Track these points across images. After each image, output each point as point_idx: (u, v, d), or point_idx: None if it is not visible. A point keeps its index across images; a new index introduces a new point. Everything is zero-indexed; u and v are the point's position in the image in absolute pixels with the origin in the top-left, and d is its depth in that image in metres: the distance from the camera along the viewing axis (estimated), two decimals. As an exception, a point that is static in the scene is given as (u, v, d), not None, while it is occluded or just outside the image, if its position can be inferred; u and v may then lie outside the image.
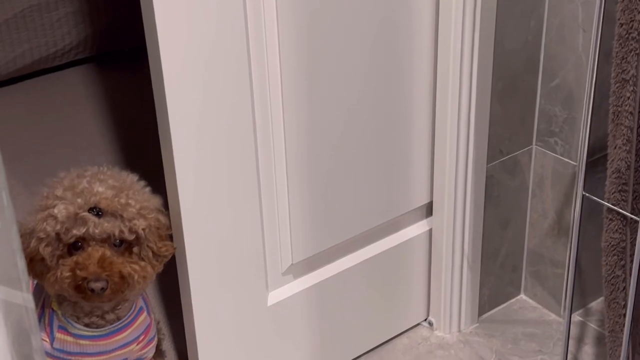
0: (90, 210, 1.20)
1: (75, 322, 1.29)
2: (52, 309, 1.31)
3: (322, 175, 1.43)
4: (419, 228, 1.63)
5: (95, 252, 1.20)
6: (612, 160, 1.20)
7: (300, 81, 1.33)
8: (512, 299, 1.78)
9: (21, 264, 0.62)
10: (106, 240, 1.21)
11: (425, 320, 1.72)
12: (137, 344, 1.34)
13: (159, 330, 1.44)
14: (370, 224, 1.53)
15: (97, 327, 1.30)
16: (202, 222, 1.31)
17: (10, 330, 0.64)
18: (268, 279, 1.44)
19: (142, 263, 1.24)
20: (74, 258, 1.20)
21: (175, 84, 1.20)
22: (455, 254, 1.62)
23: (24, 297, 0.66)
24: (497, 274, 1.71)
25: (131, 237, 1.22)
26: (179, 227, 1.30)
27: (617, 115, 1.16)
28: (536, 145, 1.61)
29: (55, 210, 1.20)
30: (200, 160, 1.27)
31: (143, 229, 1.22)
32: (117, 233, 1.21)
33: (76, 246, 1.21)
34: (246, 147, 1.31)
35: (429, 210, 1.62)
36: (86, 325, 1.29)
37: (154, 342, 1.39)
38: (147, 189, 1.29)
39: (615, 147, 1.18)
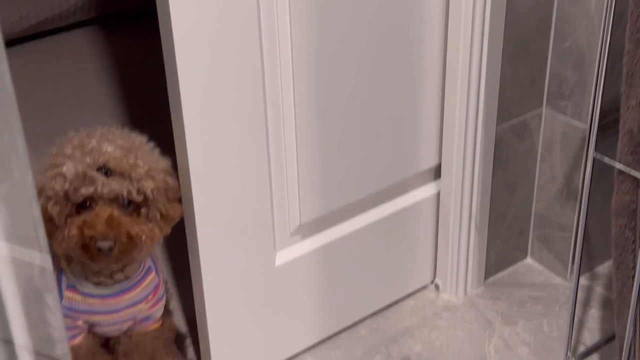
0: (99, 169, 1.20)
1: (84, 281, 1.30)
2: (61, 267, 1.31)
3: (330, 136, 1.42)
4: (426, 190, 1.62)
5: (104, 211, 1.20)
6: (625, 121, 1.19)
7: (310, 41, 1.31)
8: (519, 263, 1.78)
9: (37, 222, 0.62)
10: (114, 200, 1.21)
11: (432, 282, 1.73)
12: (146, 303, 1.35)
13: (166, 291, 1.44)
14: (378, 185, 1.53)
15: (105, 286, 1.30)
16: (211, 182, 1.31)
17: (20, 289, 0.64)
18: (276, 240, 1.44)
19: (150, 225, 1.24)
20: (82, 217, 1.20)
21: (185, 42, 1.19)
22: (462, 217, 1.62)
23: (38, 256, 0.66)
24: (504, 237, 1.72)
25: (139, 198, 1.22)
26: (188, 188, 1.30)
27: (631, 76, 1.15)
28: (546, 108, 1.60)
29: (64, 169, 1.20)
30: (209, 120, 1.27)
31: (151, 190, 1.22)
32: (125, 193, 1.20)
33: (84, 206, 1.21)
34: (255, 107, 1.30)
35: (437, 172, 1.62)
36: (95, 284, 1.30)
37: (162, 302, 1.40)
38: (156, 150, 1.28)
39: (628, 109, 1.17)
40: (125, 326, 1.37)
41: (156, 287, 1.36)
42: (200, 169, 1.29)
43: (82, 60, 2.61)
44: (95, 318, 1.32)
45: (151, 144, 1.28)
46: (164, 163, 1.27)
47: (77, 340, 1.34)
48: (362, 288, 1.61)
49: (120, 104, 2.39)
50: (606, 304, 1.68)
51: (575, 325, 1.52)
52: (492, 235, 1.69)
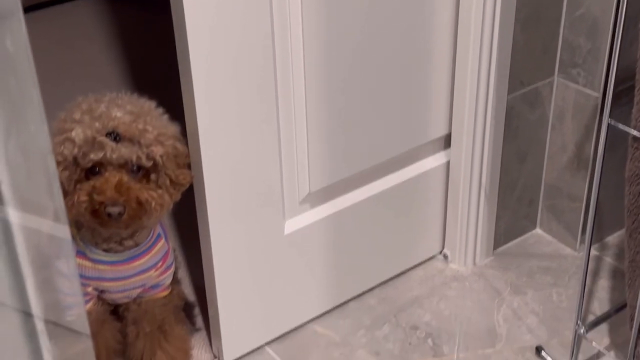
0: (108, 134, 1.19)
1: (94, 247, 1.29)
2: (71, 234, 1.31)
3: (340, 104, 1.41)
4: (436, 160, 1.61)
5: (113, 177, 1.19)
6: (640, 87, 1.17)
7: (320, 7, 1.30)
8: (528, 233, 1.77)
9: (52, 178, 0.61)
10: (123, 166, 1.20)
11: (441, 252, 1.72)
12: (155, 270, 1.35)
13: (175, 259, 1.44)
14: (387, 154, 1.52)
15: (115, 253, 1.30)
16: (221, 150, 1.30)
17: (29, 255, 0.64)
18: (285, 208, 1.44)
19: (160, 190, 1.23)
20: (91, 182, 1.20)
21: (195, 6, 1.17)
22: (472, 186, 1.61)
23: (48, 223, 0.65)
24: (514, 207, 1.71)
25: (148, 164, 1.21)
26: (198, 155, 1.29)
27: (648, 41, 1.13)
28: (558, 76, 1.58)
29: (73, 134, 1.19)
30: (218, 87, 1.25)
31: (160, 156, 1.21)
32: (134, 159, 1.19)
33: (93, 171, 1.20)
34: (265, 74, 1.28)
35: (447, 142, 1.61)
36: (105, 250, 1.29)
37: (172, 269, 1.40)
38: (165, 116, 1.27)
39: (644, 74, 1.16)
40: (134, 293, 1.37)
41: (165, 255, 1.36)
42: (209, 137, 1.28)
43: (87, 30, 2.59)
44: (105, 285, 1.32)
45: (160, 110, 1.27)
46: (173, 128, 1.26)
47: (87, 306, 1.34)
48: (370, 257, 1.61)
49: (126, 74, 2.37)
50: (615, 274, 1.68)
51: (585, 295, 1.52)
52: (502, 205, 1.68)
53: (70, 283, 0.78)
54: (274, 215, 1.42)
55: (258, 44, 1.26)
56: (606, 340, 1.52)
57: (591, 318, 1.55)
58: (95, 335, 1.38)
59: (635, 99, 1.19)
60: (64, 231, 0.70)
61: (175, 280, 1.47)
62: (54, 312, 0.73)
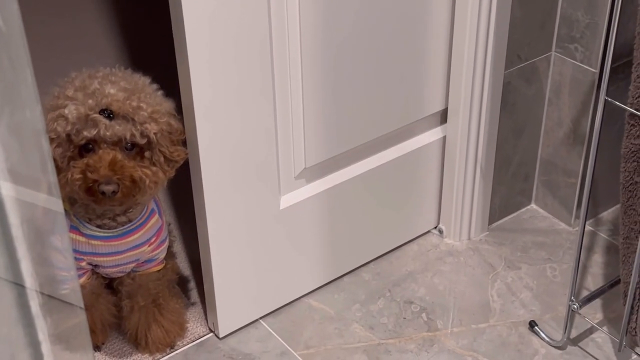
0: (102, 112, 1.18)
1: (87, 223, 1.29)
2: (64, 209, 1.30)
3: (337, 78, 1.40)
4: (433, 135, 1.61)
5: (107, 154, 1.18)
6: (638, 64, 1.16)
7: (317, -21, 1.28)
8: (523, 208, 1.78)
9: (46, 156, 0.61)
10: (117, 143, 1.19)
11: (436, 227, 1.72)
12: (149, 246, 1.35)
13: (170, 233, 1.44)
14: (384, 129, 1.51)
15: (109, 228, 1.30)
16: (216, 125, 1.29)
17: (24, 229, 0.64)
18: (281, 183, 1.43)
19: (154, 168, 1.22)
20: (85, 160, 1.19)
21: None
22: (468, 162, 1.61)
23: (42, 198, 0.65)
24: (509, 183, 1.71)
25: (143, 141, 1.20)
26: (193, 130, 1.28)
27: (647, 17, 1.12)
28: (555, 51, 1.57)
29: (66, 111, 1.18)
30: (214, 61, 1.24)
31: (155, 133, 1.20)
32: (128, 136, 1.19)
33: (87, 148, 1.20)
34: (261, 48, 1.27)
35: (443, 117, 1.60)
36: (98, 226, 1.29)
37: (165, 244, 1.39)
38: (160, 92, 1.26)
39: (642, 50, 1.15)
40: (128, 268, 1.37)
41: (159, 230, 1.36)
42: (205, 111, 1.27)
43: (81, 0, 2.56)
44: (99, 259, 1.32)
45: (155, 86, 1.26)
46: (167, 105, 1.25)
47: (81, 280, 1.34)
48: (366, 232, 1.61)
49: (121, 45, 2.35)
50: (610, 249, 1.68)
51: (579, 271, 1.52)
52: (497, 181, 1.68)
53: (63, 257, 0.77)
54: (270, 190, 1.42)
55: (254, 19, 1.24)
56: (599, 316, 1.53)
57: (585, 293, 1.56)
58: (90, 309, 1.38)
59: (633, 76, 1.19)
60: (58, 205, 0.69)
61: (170, 255, 1.47)
62: (48, 285, 0.73)
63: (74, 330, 0.83)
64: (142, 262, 1.37)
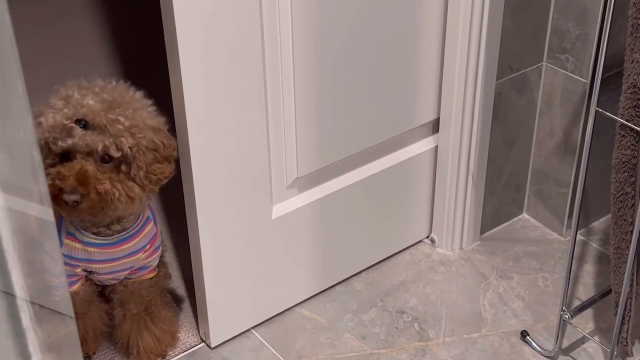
0: (77, 121, 1.18)
1: (84, 230, 1.29)
2: (61, 216, 1.30)
3: (329, 89, 1.40)
4: (425, 145, 1.61)
5: (78, 164, 1.18)
6: (629, 75, 1.17)
7: (310, -11, 1.29)
8: (514, 218, 1.78)
9: (37, 167, 0.60)
10: (92, 154, 1.19)
11: (428, 237, 1.72)
12: (144, 253, 1.34)
13: (161, 241, 1.44)
14: (376, 139, 1.52)
15: (105, 236, 1.30)
16: (209, 134, 1.29)
17: (15, 237, 0.63)
18: (273, 192, 1.43)
19: (130, 183, 1.21)
20: (57, 168, 1.19)
21: (182, -11, 1.16)
22: (460, 171, 1.61)
23: (33, 207, 0.65)
24: (501, 192, 1.71)
25: (117, 154, 1.19)
26: (185, 140, 1.28)
27: (637, 28, 1.13)
28: (546, 62, 1.58)
29: (42, 119, 1.19)
30: (207, 71, 1.24)
31: (130, 147, 1.19)
32: (100, 147, 1.18)
33: (65, 157, 1.20)
34: (253, 59, 1.28)
35: (435, 127, 1.61)
36: (94, 234, 1.29)
37: (159, 252, 1.39)
38: (151, 108, 1.25)
39: (632, 62, 1.16)
40: (122, 275, 1.37)
41: (154, 237, 1.36)
42: (197, 120, 1.27)
43: (73, 9, 2.56)
44: (94, 266, 1.32)
45: (147, 101, 1.25)
46: (155, 121, 1.23)
47: (75, 287, 1.34)
48: (358, 242, 1.61)
49: (113, 55, 2.35)
50: (601, 259, 1.69)
51: (570, 280, 1.53)
52: (489, 190, 1.68)
53: (54, 265, 0.77)
54: (262, 200, 1.42)
55: (247, 30, 1.25)
56: (591, 325, 1.53)
57: (576, 303, 1.56)
58: (82, 317, 1.38)
59: (623, 87, 1.20)
60: (48, 214, 0.69)
61: (162, 263, 1.47)
62: (39, 294, 0.73)
63: (64, 340, 0.82)
64: (136, 270, 1.37)
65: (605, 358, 1.47)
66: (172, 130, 1.28)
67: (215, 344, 1.49)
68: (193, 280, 1.47)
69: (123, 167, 1.21)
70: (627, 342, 1.38)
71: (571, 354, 1.49)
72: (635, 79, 1.16)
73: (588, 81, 1.52)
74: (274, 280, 1.51)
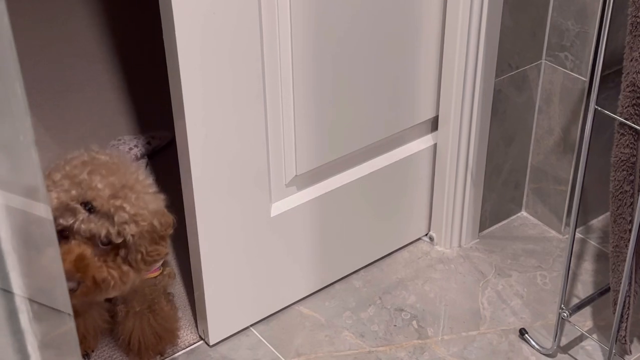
0: (83, 204, 1.15)
1: None
2: None
3: (328, 87, 1.40)
4: (423, 142, 1.61)
5: (76, 247, 1.16)
6: (628, 73, 1.17)
7: (309, -13, 1.29)
8: (513, 216, 1.78)
9: (36, 168, 0.60)
10: (92, 238, 1.17)
11: (426, 235, 1.72)
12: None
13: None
14: (375, 137, 1.52)
15: None
16: (207, 132, 1.29)
17: (14, 236, 0.63)
18: (272, 190, 1.43)
19: (125, 268, 1.20)
20: None
21: (181, -14, 1.16)
22: (459, 169, 1.61)
23: (31, 207, 0.65)
24: (500, 190, 1.71)
25: (118, 240, 1.17)
26: (184, 137, 1.28)
27: (636, 27, 1.13)
28: (546, 60, 1.58)
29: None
30: (205, 68, 1.24)
31: (132, 235, 1.17)
32: (103, 234, 1.16)
33: (63, 234, 1.17)
34: (252, 57, 1.27)
35: (434, 124, 1.60)
36: None
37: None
38: (152, 189, 1.23)
39: (631, 60, 1.16)
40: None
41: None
42: (196, 118, 1.27)
43: (71, 6, 2.56)
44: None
45: (148, 181, 1.23)
46: (155, 204, 1.22)
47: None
48: (356, 239, 1.61)
49: (112, 50, 2.35)
50: (599, 257, 1.69)
51: (569, 278, 1.53)
52: (488, 188, 1.68)
53: (53, 264, 0.77)
54: (261, 198, 1.42)
55: (245, 25, 1.24)
56: (589, 323, 1.54)
57: (575, 301, 1.56)
58: (83, 314, 1.38)
59: (622, 85, 1.20)
60: (47, 212, 0.69)
61: (166, 262, 1.46)
62: (37, 293, 0.73)
63: (63, 338, 0.82)
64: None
65: (603, 356, 1.48)
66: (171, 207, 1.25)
67: (214, 342, 1.49)
68: (192, 278, 1.47)
69: (122, 252, 1.19)
70: (625, 340, 1.38)
71: (570, 352, 1.49)
72: (634, 77, 1.16)
73: (587, 79, 1.52)
74: (272, 278, 1.51)
